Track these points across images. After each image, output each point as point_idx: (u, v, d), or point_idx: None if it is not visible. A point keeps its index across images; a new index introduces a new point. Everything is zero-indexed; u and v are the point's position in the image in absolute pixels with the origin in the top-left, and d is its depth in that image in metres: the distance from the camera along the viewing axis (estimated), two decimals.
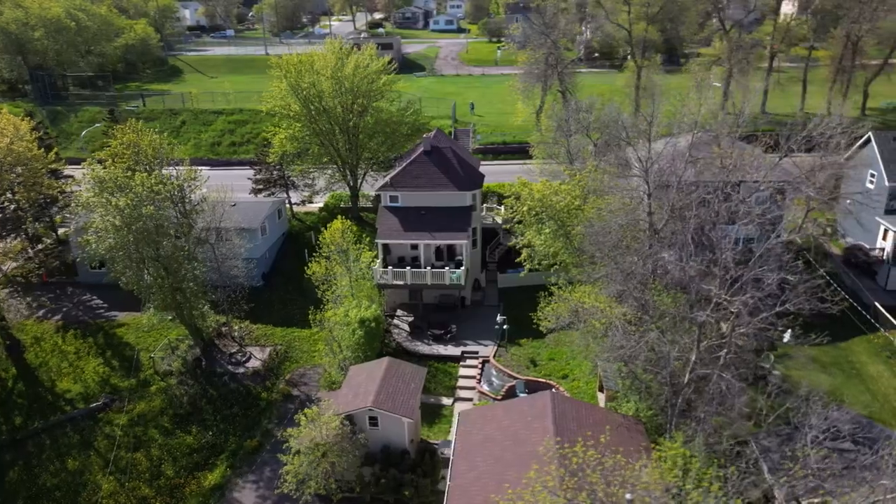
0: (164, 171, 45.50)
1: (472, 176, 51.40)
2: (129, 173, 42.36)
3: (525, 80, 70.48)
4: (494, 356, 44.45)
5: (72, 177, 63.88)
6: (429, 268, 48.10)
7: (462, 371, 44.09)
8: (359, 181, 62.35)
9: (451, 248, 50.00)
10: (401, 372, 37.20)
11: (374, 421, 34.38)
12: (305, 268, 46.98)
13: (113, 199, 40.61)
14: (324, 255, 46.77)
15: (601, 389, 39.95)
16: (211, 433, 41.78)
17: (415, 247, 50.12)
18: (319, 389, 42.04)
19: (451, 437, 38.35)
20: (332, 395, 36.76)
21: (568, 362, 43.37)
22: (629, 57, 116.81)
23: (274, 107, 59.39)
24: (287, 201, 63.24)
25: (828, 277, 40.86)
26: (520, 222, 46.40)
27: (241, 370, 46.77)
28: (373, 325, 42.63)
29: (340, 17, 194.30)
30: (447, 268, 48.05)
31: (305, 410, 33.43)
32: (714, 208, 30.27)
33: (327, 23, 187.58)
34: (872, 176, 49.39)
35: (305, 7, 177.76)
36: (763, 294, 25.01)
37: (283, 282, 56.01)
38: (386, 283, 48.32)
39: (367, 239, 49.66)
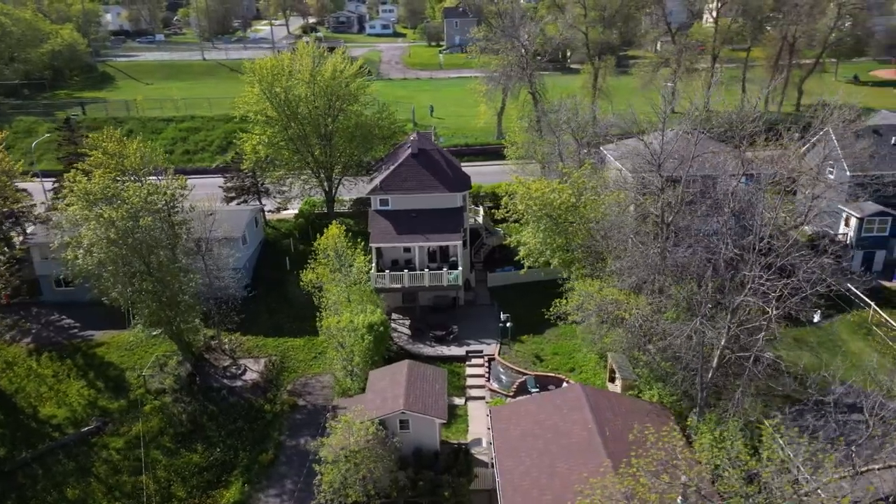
0: (150, 180, 43.81)
1: (461, 177, 51.88)
2: (119, 184, 40.60)
3: (494, 83, 71.60)
4: (499, 354, 45.01)
5: (25, 190, 60.32)
6: (426, 270, 48.23)
7: (469, 371, 44.40)
8: (335, 186, 61.71)
9: (443, 249, 50.27)
10: (423, 374, 37.23)
11: (404, 424, 34.27)
12: (297, 275, 46.15)
13: (106, 212, 38.78)
14: (319, 261, 46.22)
15: (612, 380, 41.19)
16: (218, 450, 40.38)
17: (407, 249, 50.12)
18: (334, 398, 41.37)
19: (470, 436, 38.82)
20: (356, 402, 36.35)
21: (572, 356, 44.41)
22: (569, 58, 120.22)
23: (247, 112, 58.03)
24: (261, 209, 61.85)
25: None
26: (516, 221, 47.18)
27: (239, 383, 45.47)
28: (381, 329, 42.43)
29: (272, 21, 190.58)
30: (445, 269, 48.34)
31: (341, 417, 32.93)
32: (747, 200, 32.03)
33: (259, 27, 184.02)
34: (832, 167, 53.00)
35: (236, 11, 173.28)
36: (811, 277, 26.75)
37: (265, 291, 54.73)
38: (383, 286, 48.09)
39: (361, 243, 49.18)
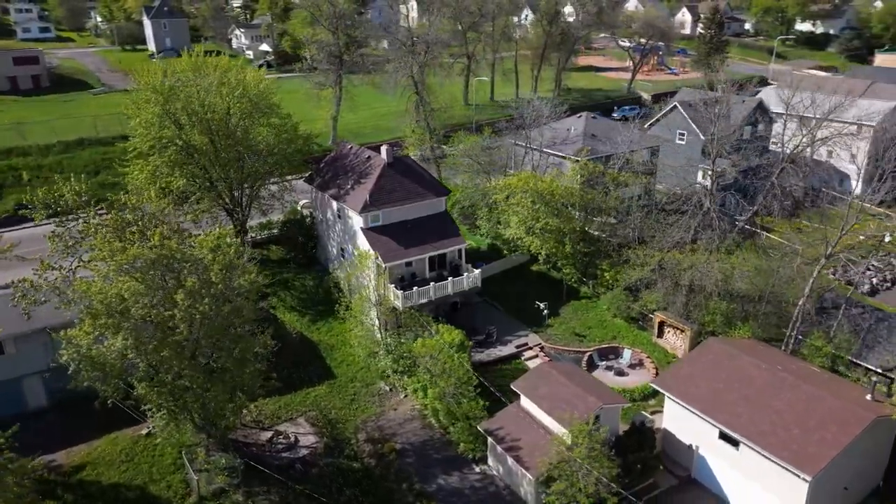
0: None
1: (436, 181, 50.96)
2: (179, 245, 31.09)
3: (388, 84, 70.49)
4: (546, 341, 46.85)
5: None
6: (449, 278, 46.84)
7: (530, 364, 45.23)
8: (246, 213, 53.86)
9: (440, 256, 49.14)
10: (566, 369, 37.96)
11: (596, 418, 34.78)
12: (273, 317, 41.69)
13: (189, 281, 29.67)
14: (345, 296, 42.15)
15: (660, 335, 46.80)
16: None
17: (409, 263, 47.74)
18: (448, 427, 38.55)
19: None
20: (514, 418, 35.83)
21: (604, 325, 48.62)
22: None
23: (145, 142, 46.87)
24: None
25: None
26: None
27: (304, 452, 38.89)
28: (469, 345, 41.00)
29: None
30: (465, 273, 47.74)
31: (575, 426, 32.03)
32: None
33: None
34: (682, 134, 66.21)
35: None
36: None
37: None
38: (412, 304, 45.24)
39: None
